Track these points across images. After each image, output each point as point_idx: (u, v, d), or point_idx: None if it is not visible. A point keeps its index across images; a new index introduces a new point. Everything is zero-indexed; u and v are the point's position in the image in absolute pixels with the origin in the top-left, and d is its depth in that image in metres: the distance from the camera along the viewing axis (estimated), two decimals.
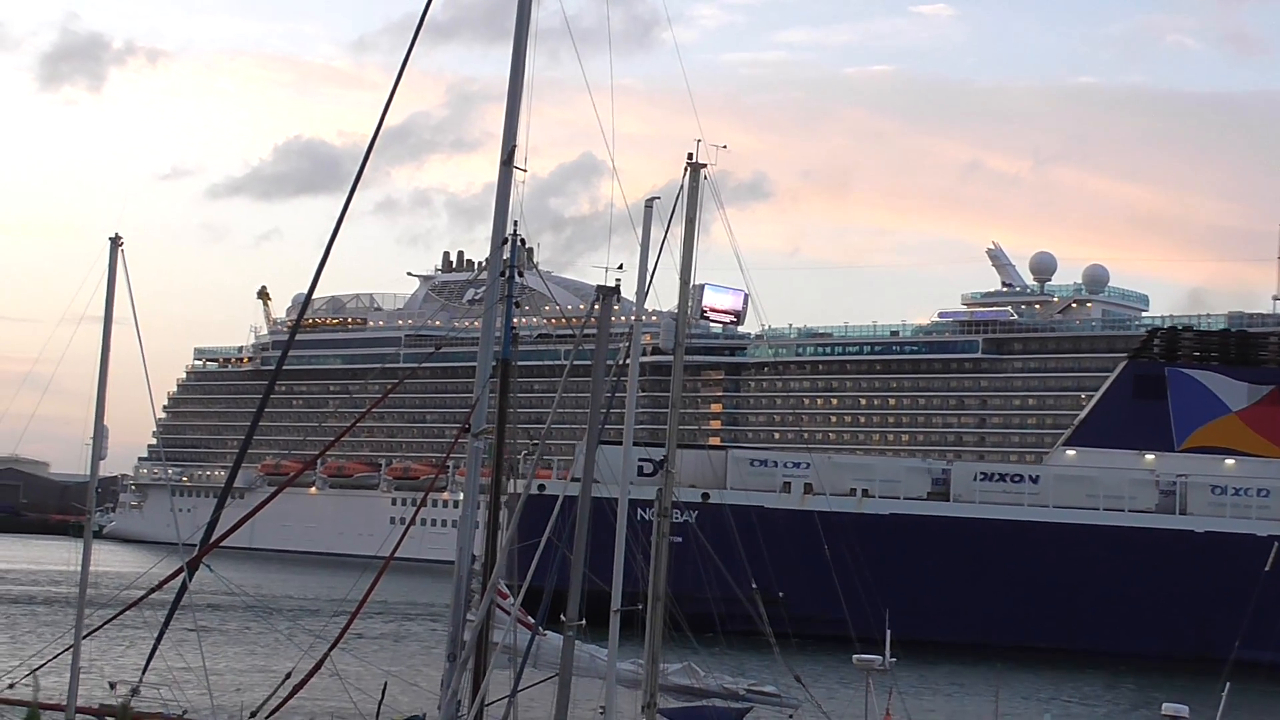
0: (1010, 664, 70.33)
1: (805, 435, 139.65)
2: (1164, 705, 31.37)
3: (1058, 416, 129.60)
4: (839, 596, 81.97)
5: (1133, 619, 78.25)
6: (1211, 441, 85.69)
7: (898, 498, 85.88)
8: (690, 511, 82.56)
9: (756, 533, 69.60)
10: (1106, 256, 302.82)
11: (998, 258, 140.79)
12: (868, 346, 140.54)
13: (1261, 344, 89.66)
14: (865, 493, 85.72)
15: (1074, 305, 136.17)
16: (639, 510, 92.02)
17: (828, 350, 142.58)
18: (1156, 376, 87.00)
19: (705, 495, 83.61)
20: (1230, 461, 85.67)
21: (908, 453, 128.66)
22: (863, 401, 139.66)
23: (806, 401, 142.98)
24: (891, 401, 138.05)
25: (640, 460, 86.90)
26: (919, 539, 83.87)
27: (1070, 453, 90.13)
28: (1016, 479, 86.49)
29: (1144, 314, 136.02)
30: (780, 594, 37.42)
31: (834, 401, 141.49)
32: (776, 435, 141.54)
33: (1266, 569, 38.78)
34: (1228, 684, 32.49)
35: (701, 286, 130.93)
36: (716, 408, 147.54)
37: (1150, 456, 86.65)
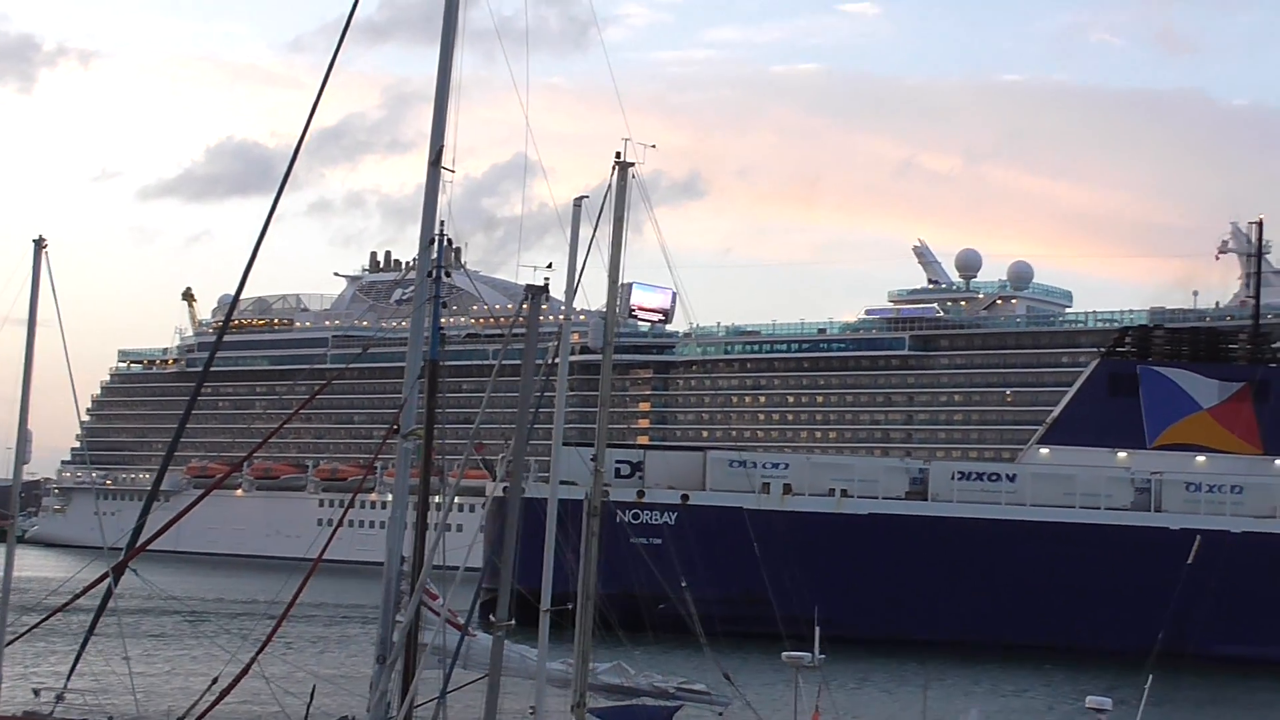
0: (947, 659, 70.87)
1: (734, 433, 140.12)
2: (1088, 698, 31.62)
3: (984, 412, 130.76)
4: (822, 596, 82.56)
5: (1111, 616, 78.64)
6: (1183, 439, 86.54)
7: (876, 497, 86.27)
8: (669, 513, 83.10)
9: (736, 534, 69.98)
10: (1035, 254, 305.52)
11: (924, 255, 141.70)
12: (795, 344, 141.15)
13: (1231, 341, 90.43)
14: (844, 493, 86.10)
15: (999, 302, 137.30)
16: (617, 512, 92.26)
17: (756, 348, 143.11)
18: (1129, 374, 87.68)
19: (684, 497, 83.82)
20: (1201, 458, 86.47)
21: (835, 449, 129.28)
22: (790, 399, 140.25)
23: (735, 399, 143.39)
24: (819, 399, 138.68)
25: (618, 462, 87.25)
26: (898, 538, 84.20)
27: (1044, 451, 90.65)
28: (994, 478, 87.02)
29: (1067, 310, 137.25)
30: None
31: (762, 399, 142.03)
32: (705, 433, 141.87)
33: (1189, 562, 39.08)
34: (1150, 676, 32.82)
35: (630, 285, 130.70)
36: (645, 406, 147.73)
37: (1123, 454, 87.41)
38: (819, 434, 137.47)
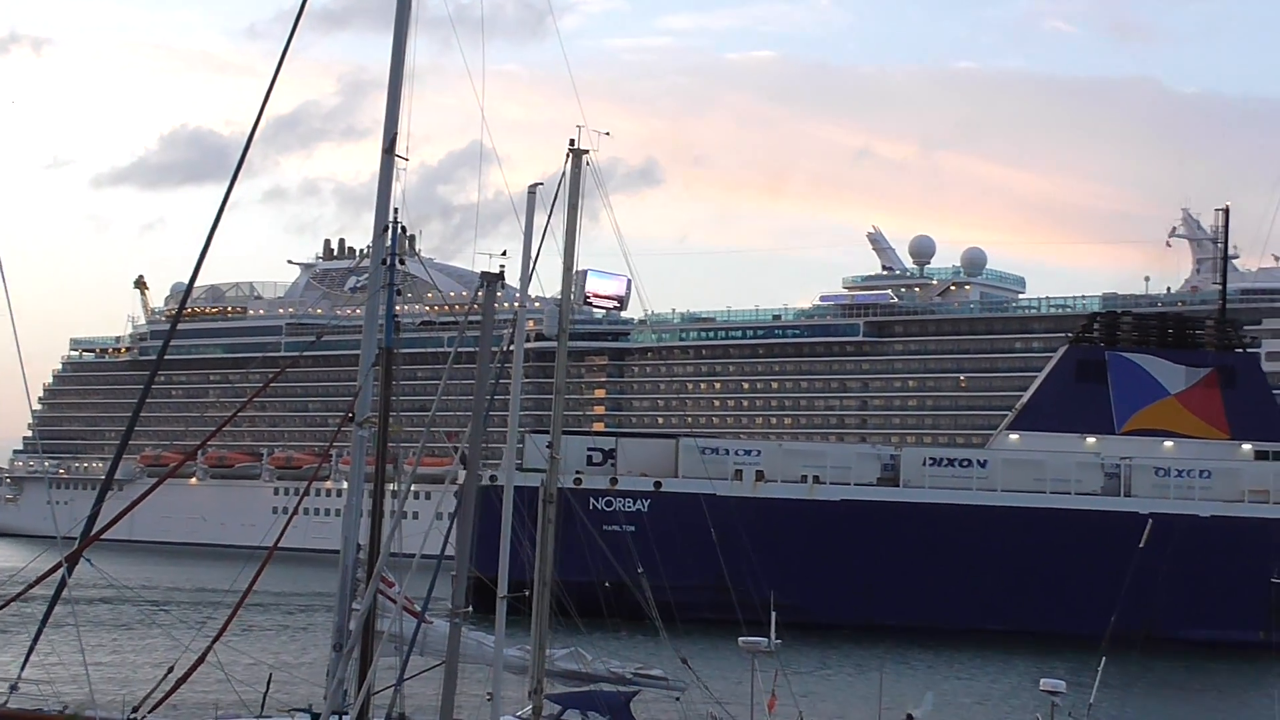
0: (906, 644, 71.20)
1: (689, 420, 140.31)
2: (1042, 681, 31.86)
3: (937, 398, 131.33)
4: (795, 582, 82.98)
5: (1082, 600, 78.90)
6: (1151, 424, 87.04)
7: (848, 483, 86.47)
8: (643, 500, 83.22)
9: (710, 520, 70.07)
10: (990, 241, 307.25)
11: (878, 241, 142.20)
12: (750, 331, 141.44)
13: (1198, 327, 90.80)
14: (816, 479, 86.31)
15: (953, 288, 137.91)
16: (590, 499, 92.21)
17: (711, 335, 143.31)
18: (1097, 360, 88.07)
19: (657, 484, 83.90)
20: (1169, 444, 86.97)
21: (790, 435, 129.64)
22: (745, 385, 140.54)
23: (690, 386, 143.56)
24: (774, 385, 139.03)
25: (589, 450, 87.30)
26: (870, 524, 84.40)
27: (1014, 436, 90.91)
28: (965, 464, 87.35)
29: (1021, 296, 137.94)
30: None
31: (717, 385, 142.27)
32: (660, 420, 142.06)
33: (1140, 545, 39.38)
34: (1103, 659, 33.09)
35: (585, 272, 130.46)
36: (600, 393, 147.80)
37: (1092, 439, 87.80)
38: (774, 419, 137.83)
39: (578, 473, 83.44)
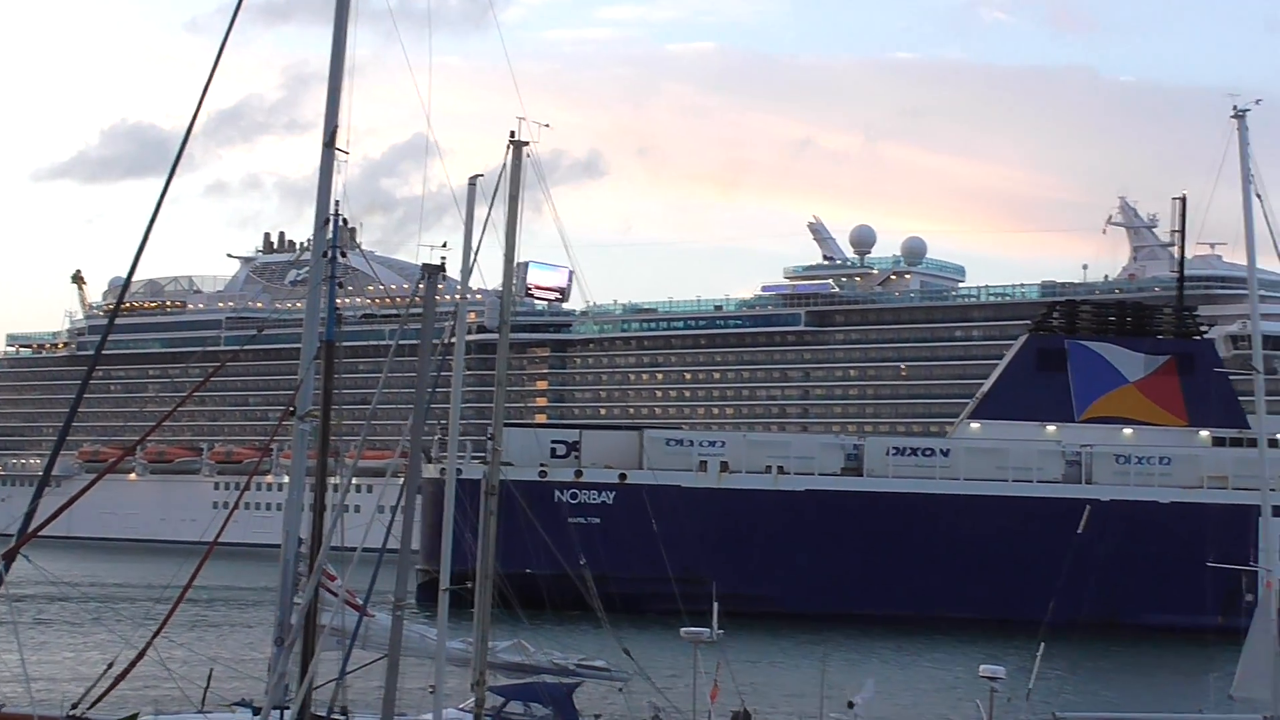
0: (857, 632, 71.58)
1: (631, 411, 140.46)
2: (981, 667, 32.13)
3: (878, 387, 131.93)
4: (762, 573, 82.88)
5: (1044, 587, 79.08)
6: (1110, 412, 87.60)
7: (812, 474, 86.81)
8: (607, 492, 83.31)
9: (675, 512, 70.03)
10: (933, 230, 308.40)
11: (819, 231, 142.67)
12: (692, 321, 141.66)
13: (1156, 315, 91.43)
14: (781, 470, 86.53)
15: (893, 277, 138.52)
16: (555, 492, 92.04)
17: (652, 326, 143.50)
18: (1057, 349, 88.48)
19: (622, 476, 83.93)
20: (1129, 431, 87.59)
21: (732, 425, 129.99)
22: (687, 376, 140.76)
23: (632, 377, 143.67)
24: (716, 375, 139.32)
25: (554, 442, 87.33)
26: (835, 514, 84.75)
27: (975, 425, 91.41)
28: (928, 453, 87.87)
29: (960, 285, 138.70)
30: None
31: (659, 376, 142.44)
32: (603, 411, 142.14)
33: (1079, 531, 39.72)
34: (1043, 644, 33.38)
35: (526, 264, 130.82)
36: (542, 385, 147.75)
37: (1052, 428, 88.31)
38: (715, 410, 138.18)
39: (542, 465, 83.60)
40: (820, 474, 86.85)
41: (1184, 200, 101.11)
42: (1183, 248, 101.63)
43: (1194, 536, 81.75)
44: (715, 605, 33.91)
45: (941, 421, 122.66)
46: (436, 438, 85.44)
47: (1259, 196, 32.30)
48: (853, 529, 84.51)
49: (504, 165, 30.25)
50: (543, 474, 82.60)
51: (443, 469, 72.18)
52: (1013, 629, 71.27)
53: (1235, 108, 32.52)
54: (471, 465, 66.13)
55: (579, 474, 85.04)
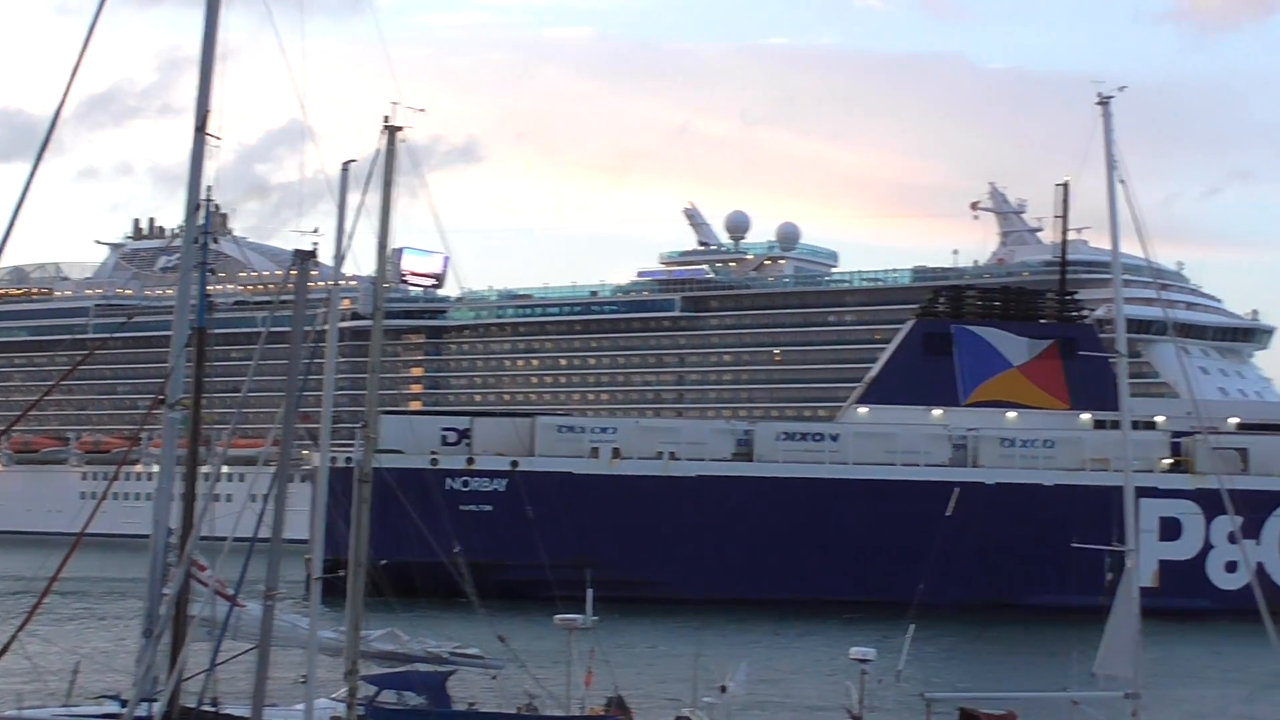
0: (734, 617, 71.98)
1: (507, 397, 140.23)
2: (852, 649, 32.53)
3: (753, 372, 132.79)
4: (655, 559, 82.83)
5: (935, 570, 79.69)
6: (995, 396, 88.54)
7: (704, 459, 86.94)
8: (499, 480, 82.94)
9: (567, 498, 69.93)
10: (807, 215, 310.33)
11: (694, 217, 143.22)
12: (567, 307, 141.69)
13: (1040, 300, 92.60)
14: (672, 455, 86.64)
15: (767, 263, 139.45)
16: (446, 479, 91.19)
17: (528, 312, 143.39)
18: (943, 334, 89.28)
19: (514, 463, 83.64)
20: (1013, 414, 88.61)
21: (608, 411, 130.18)
22: (563, 362, 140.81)
23: (508, 363, 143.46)
24: (592, 361, 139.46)
25: (444, 429, 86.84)
26: (726, 499, 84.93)
27: (863, 410, 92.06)
28: (817, 438, 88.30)
29: (834, 270, 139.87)
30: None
31: (535, 362, 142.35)
32: (478, 398, 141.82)
33: (947, 514, 40.31)
34: (912, 625, 33.83)
35: (400, 250, 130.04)
36: (417, 371, 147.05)
37: (938, 412, 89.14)
38: (591, 396, 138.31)
39: (433, 453, 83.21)
40: (711, 459, 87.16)
41: (1066, 186, 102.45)
42: (1065, 232, 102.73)
43: (1072, 519, 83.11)
44: (590, 592, 34.02)
45: (816, 406, 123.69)
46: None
47: (1122, 182, 32.84)
48: (744, 514, 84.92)
49: (378, 151, 30.10)
50: (434, 462, 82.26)
51: (333, 457, 71.94)
52: (901, 612, 72.16)
53: (1100, 95, 33.01)
54: (376, 455, 66.03)
55: (471, 461, 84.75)
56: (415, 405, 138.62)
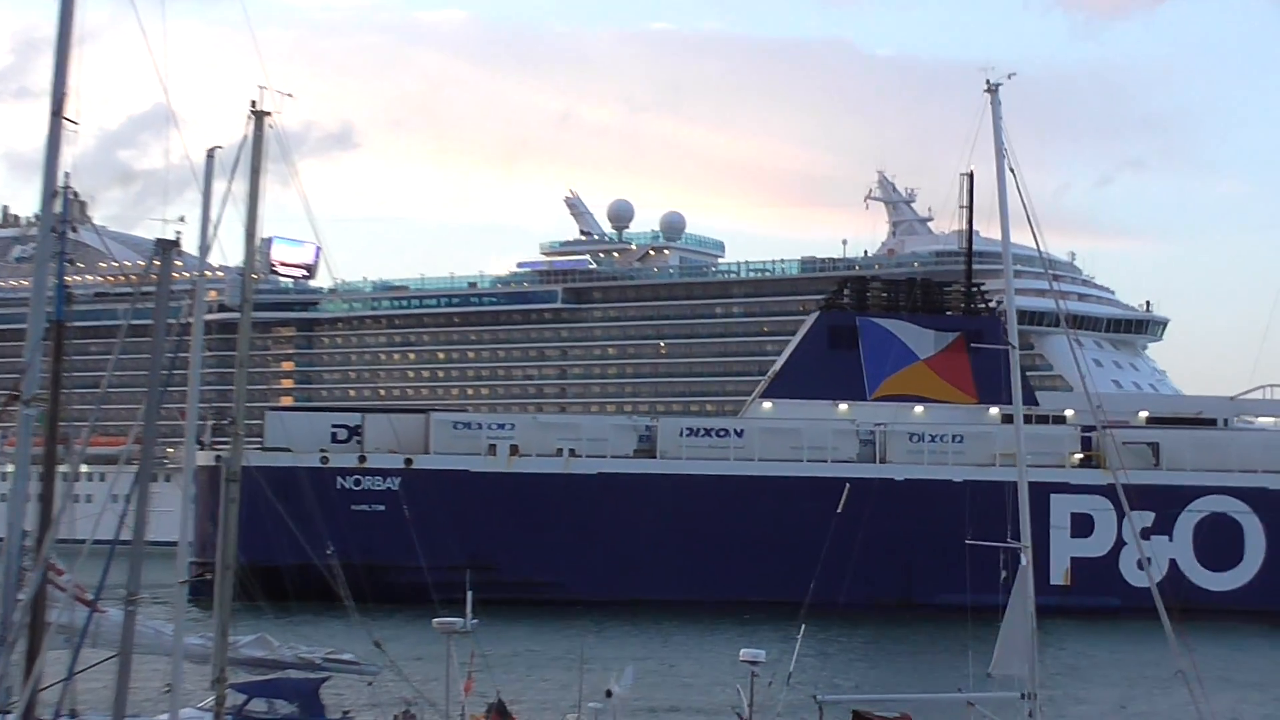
0: (620, 619, 71.99)
1: (383, 392, 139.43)
2: (741, 651, 32.63)
3: (638, 365, 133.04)
4: (554, 559, 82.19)
5: (842, 569, 79.45)
6: (902, 390, 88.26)
7: (605, 456, 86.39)
8: (393, 478, 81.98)
9: (462, 497, 69.39)
10: (692, 204, 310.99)
11: (576, 206, 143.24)
12: (445, 299, 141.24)
13: (947, 293, 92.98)
14: (572, 452, 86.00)
15: (652, 253, 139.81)
16: (338, 479, 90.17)
17: (404, 304, 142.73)
18: (848, 326, 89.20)
19: (408, 460, 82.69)
20: (920, 409, 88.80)
21: (488, 406, 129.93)
22: (441, 355, 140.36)
23: (383, 357, 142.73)
24: (471, 355, 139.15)
25: (334, 426, 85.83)
26: (628, 497, 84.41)
27: (767, 405, 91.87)
28: (722, 433, 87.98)
29: (720, 261, 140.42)
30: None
31: (411, 356, 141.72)
32: (352, 393, 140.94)
33: (838, 511, 40.61)
34: (803, 626, 33.98)
35: (269, 240, 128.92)
36: (288, 366, 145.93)
37: (844, 406, 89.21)
38: (471, 390, 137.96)
39: (323, 451, 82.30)
40: (613, 456, 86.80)
41: (971, 175, 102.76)
42: (970, 222, 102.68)
43: (976, 515, 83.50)
44: (469, 594, 33.82)
45: (704, 400, 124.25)
46: (209, 422, 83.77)
47: (1012, 171, 33.14)
48: (646, 513, 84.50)
49: (245, 136, 29.69)
50: (324, 460, 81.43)
51: (218, 456, 71.02)
52: (802, 612, 72.45)
53: (989, 82, 33.27)
54: (250, 453, 65.62)
55: (362, 459, 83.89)
56: (286, 401, 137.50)
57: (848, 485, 44.79)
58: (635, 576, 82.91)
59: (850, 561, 45.56)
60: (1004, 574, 31.85)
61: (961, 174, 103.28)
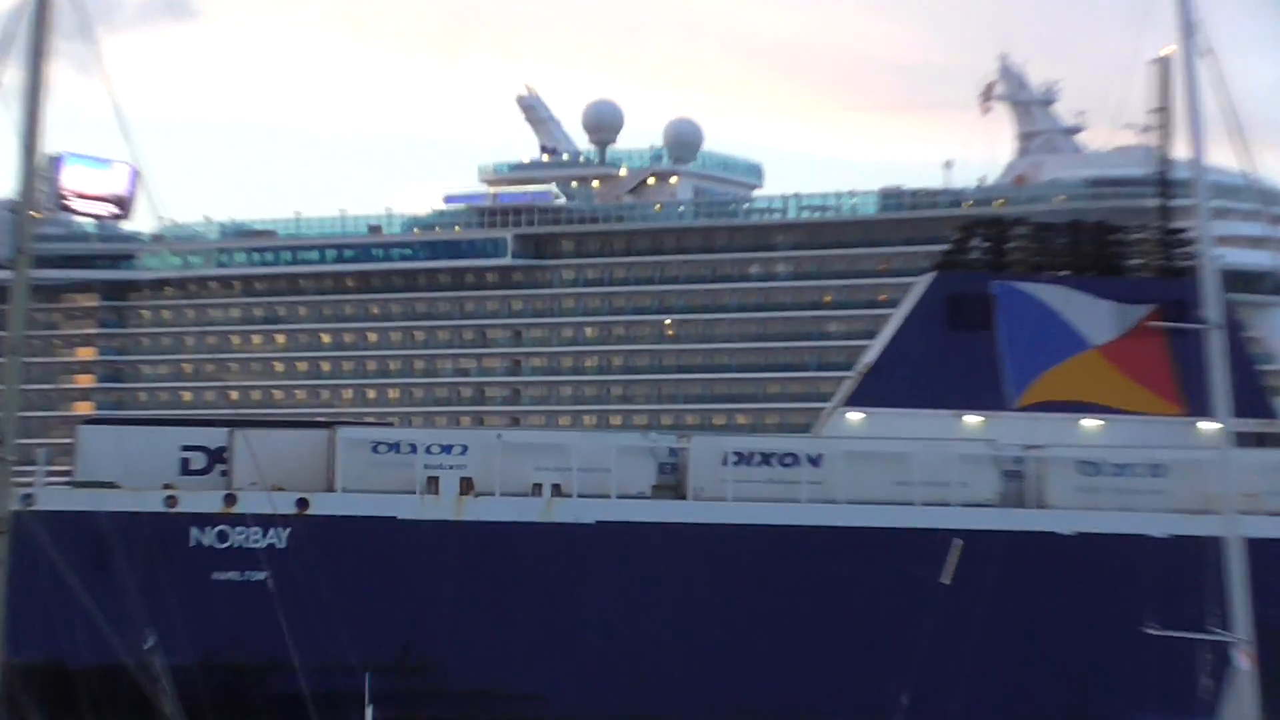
0: None
1: (234, 395, 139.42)
2: None
3: (630, 354, 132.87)
4: (527, 657, 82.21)
5: (955, 671, 77.18)
6: (1065, 394, 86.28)
7: (608, 495, 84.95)
8: (279, 529, 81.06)
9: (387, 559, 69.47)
10: (715, 107, 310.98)
11: (534, 109, 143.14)
12: (334, 251, 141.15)
13: (1130, 243, 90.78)
14: (557, 490, 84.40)
15: (652, 181, 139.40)
16: (192, 531, 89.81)
17: (270, 258, 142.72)
18: (978, 296, 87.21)
19: (303, 502, 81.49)
20: (1094, 423, 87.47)
21: (402, 415, 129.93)
22: (326, 338, 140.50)
23: (235, 338, 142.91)
24: (372, 336, 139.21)
25: (187, 449, 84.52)
26: (642, 560, 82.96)
27: (855, 417, 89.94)
28: (787, 460, 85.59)
29: (757, 192, 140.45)
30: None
31: (279, 339, 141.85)
32: (186, 395, 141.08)
33: (943, 580, 40.63)
34: None
35: (61, 158, 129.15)
36: (88, 352, 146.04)
37: (976, 419, 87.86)
38: (371, 393, 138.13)
39: (168, 487, 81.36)
40: (620, 496, 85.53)
41: (1165, 62, 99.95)
42: (1166, 134, 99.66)
43: (1172, 588, 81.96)
44: (370, 709, 33.82)
45: (734, 410, 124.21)
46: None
47: (1207, 55, 32.99)
48: (669, 585, 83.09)
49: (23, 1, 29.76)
50: (171, 502, 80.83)
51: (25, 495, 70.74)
52: None
53: None
54: (48, 491, 65.99)
55: (231, 500, 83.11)
56: (84, 408, 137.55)
57: (959, 543, 44.44)
58: (651, 685, 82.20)
59: (965, 659, 45.23)
60: (1205, 682, 31.63)
61: (1150, 60, 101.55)
